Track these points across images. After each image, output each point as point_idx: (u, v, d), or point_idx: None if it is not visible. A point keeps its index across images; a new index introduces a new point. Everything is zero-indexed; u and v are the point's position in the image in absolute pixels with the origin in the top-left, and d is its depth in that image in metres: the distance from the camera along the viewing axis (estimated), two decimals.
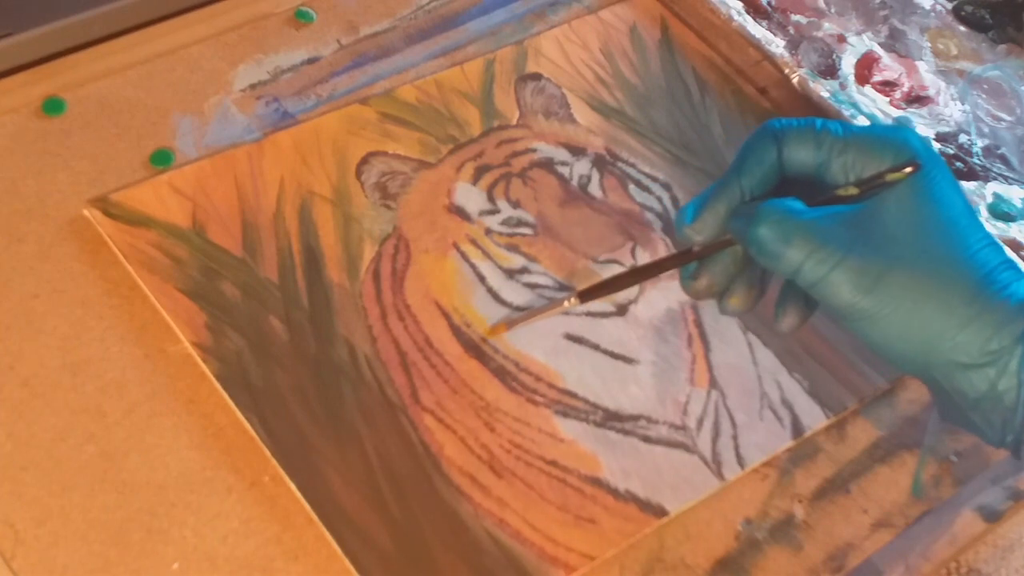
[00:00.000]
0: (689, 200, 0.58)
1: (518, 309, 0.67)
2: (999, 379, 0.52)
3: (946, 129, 0.81)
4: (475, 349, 0.65)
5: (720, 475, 0.63)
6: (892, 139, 0.55)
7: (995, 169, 0.79)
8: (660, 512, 0.61)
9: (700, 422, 0.64)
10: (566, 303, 0.62)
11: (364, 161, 0.72)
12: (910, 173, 0.54)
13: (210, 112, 0.73)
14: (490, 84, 0.77)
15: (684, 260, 0.59)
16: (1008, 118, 0.83)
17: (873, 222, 0.53)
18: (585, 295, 0.62)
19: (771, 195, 0.56)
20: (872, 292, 0.52)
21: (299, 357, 0.63)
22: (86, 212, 0.66)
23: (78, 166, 0.69)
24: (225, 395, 0.61)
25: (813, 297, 0.55)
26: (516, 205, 0.71)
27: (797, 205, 0.54)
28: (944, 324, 0.52)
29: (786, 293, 0.58)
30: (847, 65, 0.83)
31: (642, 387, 0.65)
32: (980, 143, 0.81)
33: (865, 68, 0.83)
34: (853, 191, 0.54)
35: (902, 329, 0.52)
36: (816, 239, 0.52)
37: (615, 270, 0.69)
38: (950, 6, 0.90)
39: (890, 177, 0.54)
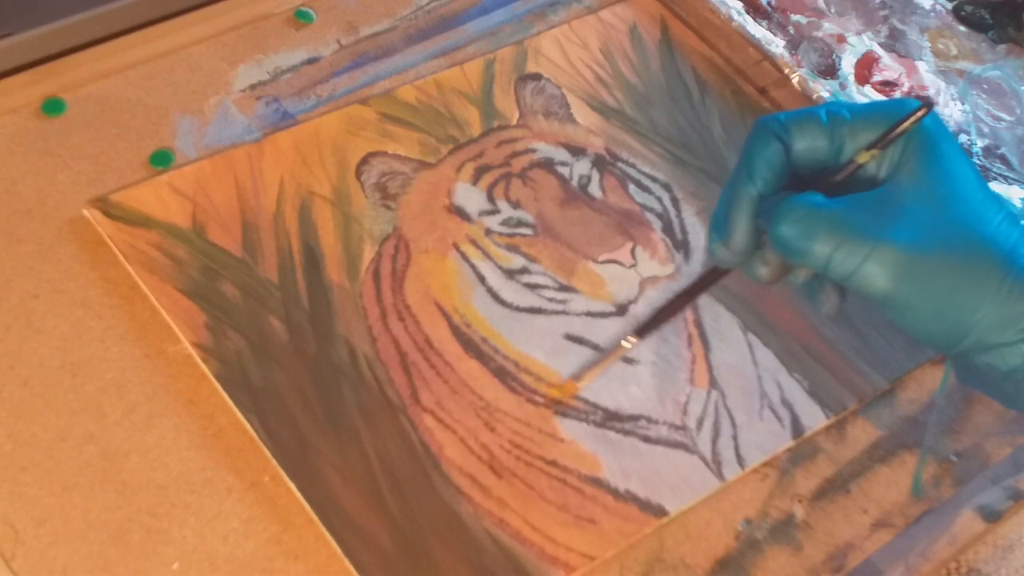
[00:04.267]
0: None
1: (518, 309, 0.67)
2: None
3: None
4: (475, 349, 0.65)
5: (720, 475, 0.63)
6: (902, 108, 0.54)
7: (995, 169, 0.79)
8: (660, 512, 0.61)
9: (700, 422, 0.64)
10: (625, 344, 0.63)
11: (364, 161, 0.72)
12: (923, 115, 0.53)
13: (210, 112, 0.73)
14: (490, 84, 0.77)
15: (726, 271, 0.57)
16: (1008, 118, 0.83)
17: (894, 206, 0.53)
18: (642, 331, 0.62)
19: (784, 189, 0.55)
20: (907, 280, 0.51)
21: (299, 357, 0.63)
22: (86, 212, 0.66)
23: (78, 166, 0.69)
24: (225, 395, 0.61)
25: (846, 288, 0.54)
26: (516, 205, 0.71)
27: (817, 198, 0.52)
28: (978, 305, 0.51)
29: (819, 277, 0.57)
30: (847, 65, 0.83)
31: (642, 387, 0.65)
32: (980, 143, 0.81)
33: (865, 68, 0.83)
34: (874, 152, 0.53)
35: (937, 313, 0.52)
36: (842, 231, 0.51)
37: (615, 270, 0.69)
38: (950, 6, 0.90)
39: (905, 126, 0.53)
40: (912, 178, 0.53)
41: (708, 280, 0.58)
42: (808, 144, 0.54)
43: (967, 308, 0.52)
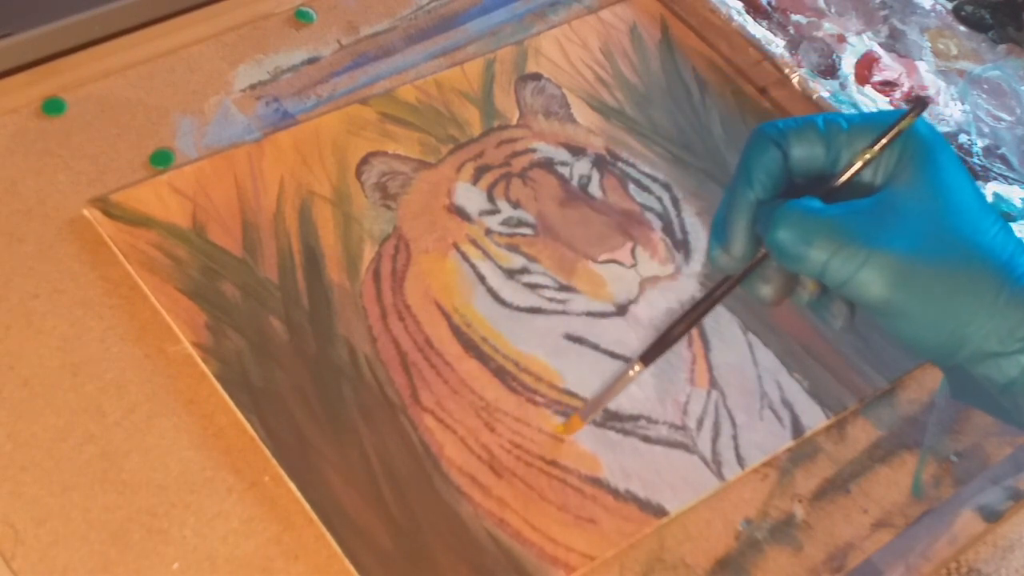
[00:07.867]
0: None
1: (518, 309, 0.67)
2: None
3: (946, 129, 0.81)
4: (475, 349, 0.65)
5: (720, 475, 0.63)
6: (897, 115, 0.54)
7: (995, 169, 0.79)
8: (660, 512, 0.61)
9: (700, 422, 0.64)
10: (631, 372, 0.58)
11: (364, 161, 0.72)
12: (919, 112, 0.53)
13: (210, 112, 0.73)
14: (490, 84, 0.77)
15: (732, 285, 0.56)
16: (1008, 118, 0.83)
17: (890, 213, 0.52)
18: (648, 357, 0.57)
19: (783, 196, 0.55)
20: (903, 288, 0.51)
21: (299, 357, 0.63)
22: (86, 212, 0.66)
23: (78, 166, 0.69)
24: (225, 395, 0.61)
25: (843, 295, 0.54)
26: (516, 205, 0.71)
27: (814, 203, 0.52)
28: (974, 315, 0.51)
29: (826, 293, 0.57)
30: (847, 65, 0.83)
31: (642, 387, 0.65)
32: (980, 143, 0.81)
33: (865, 68, 0.83)
34: (872, 151, 0.53)
35: (933, 322, 0.52)
36: (838, 237, 0.51)
37: (615, 270, 0.69)
38: (950, 6, 0.90)
39: (903, 124, 0.53)
40: (908, 186, 0.53)
41: (714, 298, 0.56)
42: (806, 152, 0.54)
43: (963, 317, 0.51)
